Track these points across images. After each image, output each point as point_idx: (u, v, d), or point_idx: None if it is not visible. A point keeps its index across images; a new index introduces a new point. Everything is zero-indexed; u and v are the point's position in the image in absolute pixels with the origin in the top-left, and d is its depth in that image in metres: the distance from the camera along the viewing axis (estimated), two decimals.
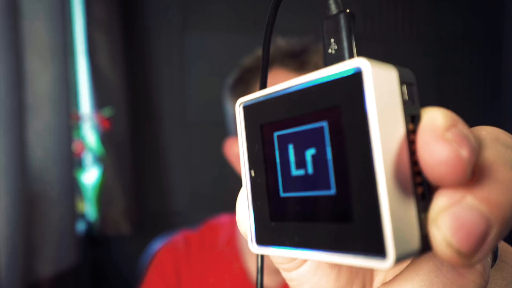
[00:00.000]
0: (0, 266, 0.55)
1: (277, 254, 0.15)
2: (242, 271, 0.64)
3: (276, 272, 0.60)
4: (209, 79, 1.05)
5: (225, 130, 0.70)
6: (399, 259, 0.11)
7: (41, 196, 0.66)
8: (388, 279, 0.17)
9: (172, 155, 1.06)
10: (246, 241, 0.64)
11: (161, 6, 1.05)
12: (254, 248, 0.16)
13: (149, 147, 1.06)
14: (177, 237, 0.69)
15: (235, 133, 0.65)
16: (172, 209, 1.07)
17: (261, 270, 0.19)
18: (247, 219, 0.16)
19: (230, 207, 0.85)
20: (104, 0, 0.92)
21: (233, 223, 0.69)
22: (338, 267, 0.17)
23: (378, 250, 0.11)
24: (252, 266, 0.64)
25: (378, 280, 0.18)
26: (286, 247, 0.15)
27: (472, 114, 1.10)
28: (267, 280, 0.62)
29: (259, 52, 0.63)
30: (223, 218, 0.72)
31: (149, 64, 1.05)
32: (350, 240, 0.12)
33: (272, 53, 0.62)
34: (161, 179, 1.06)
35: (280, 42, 0.63)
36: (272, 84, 0.16)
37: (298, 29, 0.74)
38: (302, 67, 0.58)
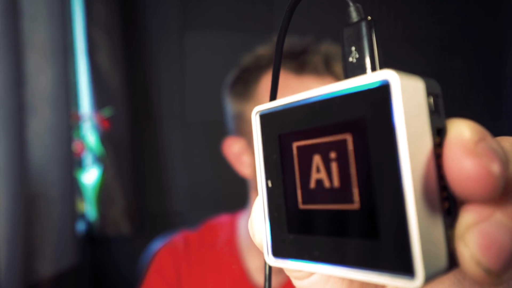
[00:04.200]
0: (0, 266, 0.55)
1: (295, 267, 0.15)
2: (242, 271, 0.64)
3: (276, 272, 0.60)
4: (209, 79, 1.05)
5: (225, 130, 0.70)
6: (428, 279, 0.11)
7: (41, 196, 0.66)
8: None
9: (172, 155, 1.06)
10: (246, 241, 0.64)
11: (161, 6, 1.05)
12: (271, 261, 0.16)
13: (149, 147, 1.06)
14: (177, 237, 0.69)
15: (234, 133, 0.65)
16: (172, 209, 1.07)
17: (269, 278, 0.19)
18: (263, 231, 0.16)
19: (230, 207, 0.85)
20: (104, 0, 0.92)
21: (232, 223, 0.69)
22: None
23: (406, 269, 0.11)
24: (251, 266, 0.64)
25: None
26: (305, 261, 0.14)
27: (472, 116, 1.10)
28: None
29: (258, 51, 0.63)
30: (223, 218, 0.72)
31: (149, 64, 1.05)
32: (375, 257, 0.12)
33: (271, 54, 0.61)
34: (161, 179, 1.06)
35: None
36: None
37: (298, 29, 0.74)
38: (301, 68, 0.58)
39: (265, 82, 0.60)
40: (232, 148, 0.65)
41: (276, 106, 0.15)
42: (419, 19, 1.16)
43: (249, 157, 0.62)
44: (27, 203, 0.62)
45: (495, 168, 0.11)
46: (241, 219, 0.68)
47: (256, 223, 0.16)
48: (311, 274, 0.17)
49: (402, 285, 0.11)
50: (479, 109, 1.18)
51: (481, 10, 1.19)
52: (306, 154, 0.14)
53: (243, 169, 0.63)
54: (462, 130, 0.11)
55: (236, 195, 0.83)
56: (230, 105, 0.65)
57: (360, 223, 0.12)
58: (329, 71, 0.59)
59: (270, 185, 0.16)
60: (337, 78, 0.59)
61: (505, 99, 1.18)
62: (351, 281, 0.17)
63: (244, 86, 0.62)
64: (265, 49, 0.62)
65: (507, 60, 1.18)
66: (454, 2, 1.18)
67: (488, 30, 1.18)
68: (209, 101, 1.04)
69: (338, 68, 0.60)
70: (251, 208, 0.69)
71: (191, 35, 1.07)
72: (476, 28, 1.18)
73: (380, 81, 0.12)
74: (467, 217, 0.11)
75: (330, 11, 1.09)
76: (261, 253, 0.62)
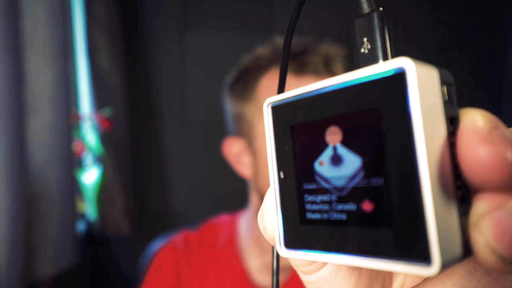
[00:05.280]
0: (0, 266, 0.55)
1: (308, 258, 0.15)
2: (242, 270, 0.64)
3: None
4: (209, 79, 1.05)
5: (225, 130, 0.70)
6: (444, 266, 0.11)
7: (41, 196, 0.66)
8: (407, 283, 0.17)
9: (172, 155, 1.06)
10: (246, 241, 0.65)
11: (161, 6, 1.05)
12: (283, 252, 0.16)
13: (149, 147, 1.06)
14: (177, 237, 0.69)
15: (233, 133, 0.65)
16: (172, 209, 1.07)
17: (276, 272, 0.19)
18: (275, 222, 0.16)
19: (230, 207, 0.85)
20: (104, 0, 0.92)
21: (233, 223, 0.69)
22: (358, 269, 0.17)
23: (422, 256, 0.11)
24: (251, 266, 0.64)
25: (397, 283, 0.18)
26: (319, 251, 0.14)
27: None
28: (269, 279, 0.62)
29: (257, 52, 0.63)
30: (223, 218, 0.72)
31: (149, 64, 1.05)
32: (390, 244, 0.12)
33: (270, 54, 0.61)
34: (161, 179, 1.06)
35: (279, 42, 0.63)
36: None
37: (297, 29, 0.74)
38: (301, 69, 0.58)
39: (265, 83, 0.60)
40: (232, 148, 0.65)
41: (288, 97, 0.15)
42: (420, 18, 1.16)
43: (248, 157, 0.62)
44: (27, 203, 0.62)
45: (510, 155, 0.11)
46: (241, 219, 0.68)
47: (268, 215, 0.16)
48: (320, 268, 0.17)
49: (418, 273, 0.11)
50: (480, 106, 1.18)
51: (482, 8, 1.19)
52: (319, 145, 0.14)
53: (242, 169, 0.63)
54: (475, 119, 0.12)
55: (236, 195, 0.83)
56: (230, 106, 0.65)
57: (375, 211, 0.12)
58: (328, 72, 0.59)
59: (282, 176, 0.16)
60: None
61: (505, 97, 1.18)
62: (359, 274, 0.17)
63: (243, 86, 0.62)
64: (264, 50, 0.62)
65: (507, 58, 1.18)
66: (454, 0, 1.18)
67: (488, 28, 1.18)
68: (209, 101, 1.04)
69: (338, 68, 0.60)
70: (251, 208, 0.69)
71: (191, 35, 1.07)
72: (477, 26, 1.18)
73: (395, 69, 0.12)
74: (481, 205, 0.11)
75: (330, 11, 1.09)
76: (261, 253, 0.63)
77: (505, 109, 1.19)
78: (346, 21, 1.02)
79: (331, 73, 0.59)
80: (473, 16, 1.18)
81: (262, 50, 0.62)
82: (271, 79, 0.59)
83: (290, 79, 0.57)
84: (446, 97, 0.12)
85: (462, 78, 1.17)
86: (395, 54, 0.14)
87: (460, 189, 0.12)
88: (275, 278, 0.19)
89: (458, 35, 1.17)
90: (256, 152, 0.60)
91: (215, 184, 1.07)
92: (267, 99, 0.16)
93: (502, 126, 0.12)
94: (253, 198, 0.64)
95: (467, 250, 0.12)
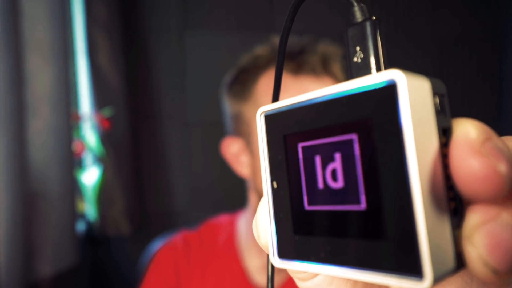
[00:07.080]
0: (0, 266, 0.55)
1: (301, 269, 0.15)
2: (241, 270, 0.64)
3: (277, 272, 0.60)
4: (209, 79, 1.05)
5: (225, 130, 0.70)
6: (437, 280, 0.11)
7: (41, 196, 0.66)
8: None
9: (172, 155, 1.07)
10: (245, 241, 0.65)
11: (161, 6, 1.05)
12: (276, 262, 0.16)
13: (149, 147, 1.06)
14: (177, 237, 0.69)
15: (232, 133, 0.65)
16: (172, 209, 1.07)
17: (271, 279, 0.19)
18: (269, 232, 0.16)
19: (230, 207, 0.85)
20: (104, 0, 0.92)
21: (232, 223, 0.69)
22: None
23: (414, 270, 0.11)
24: (251, 266, 0.64)
25: None
26: (311, 262, 0.14)
27: (471, 116, 1.09)
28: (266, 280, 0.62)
29: (255, 51, 0.63)
30: (222, 218, 0.72)
31: (149, 64, 1.05)
32: (382, 257, 0.12)
33: (269, 54, 0.61)
34: (161, 179, 1.06)
35: (277, 42, 0.62)
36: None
37: (296, 29, 0.74)
38: (299, 69, 0.58)
39: (263, 83, 0.60)
40: (230, 148, 0.65)
41: (281, 107, 0.15)
42: (420, 18, 1.16)
43: (247, 157, 0.62)
44: (27, 203, 0.63)
45: (502, 167, 0.11)
46: (240, 219, 0.68)
47: (261, 225, 0.16)
48: (315, 275, 0.17)
49: (410, 286, 0.11)
50: (479, 108, 1.18)
51: (481, 8, 1.18)
52: (311, 155, 0.14)
53: (241, 169, 0.63)
54: (468, 130, 0.11)
55: (236, 195, 0.83)
56: (228, 106, 0.65)
57: (367, 224, 0.12)
58: (326, 71, 0.59)
59: (275, 186, 0.16)
60: (335, 78, 0.59)
61: (505, 97, 1.18)
62: (355, 283, 0.17)
63: (242, 86, 0.62)
64: (262, 49, 0.62)
65: (507, 58, 1.18)
66: (454, 0, 1.18)
67: (488, 28, 1.18)
68: (209, 101, 1.04)
69: (336, 68, 0.60)
70: (250, 208, 0.69)
71: (191, 35, 1.07)
72: (476, 26, 1.18)
73: (386, 81, 0.12)
74: (474, 218, 0.11)
75: (328, 11, 1.09)
76: (260, 253, 0.63)
77: (504, 110, 1.19)
78: (344, 21, 1.03)
79: (329, 72, 0.59)
80: (473, 16, 1.18)
81: (260, 50, 0.62)
82: (269, 79, 0.59)
83: (288, 79, 0.57)
84: (439, 108, 0.12)
85: (462, 78, 1.17)
86: (389, 62, 0.14)
87: (453, 201, 0.12)
88: (270, 284, 0.19)
89: (458, 35, 1.17)
90: (255, 152, 0.60)
91: (215, 184, 1.07)
92: (260, 108, 0.16)
93: (495, 137, 0.11)
94: (252, 198, 0.64)
95: (460, 262, 0.12)
